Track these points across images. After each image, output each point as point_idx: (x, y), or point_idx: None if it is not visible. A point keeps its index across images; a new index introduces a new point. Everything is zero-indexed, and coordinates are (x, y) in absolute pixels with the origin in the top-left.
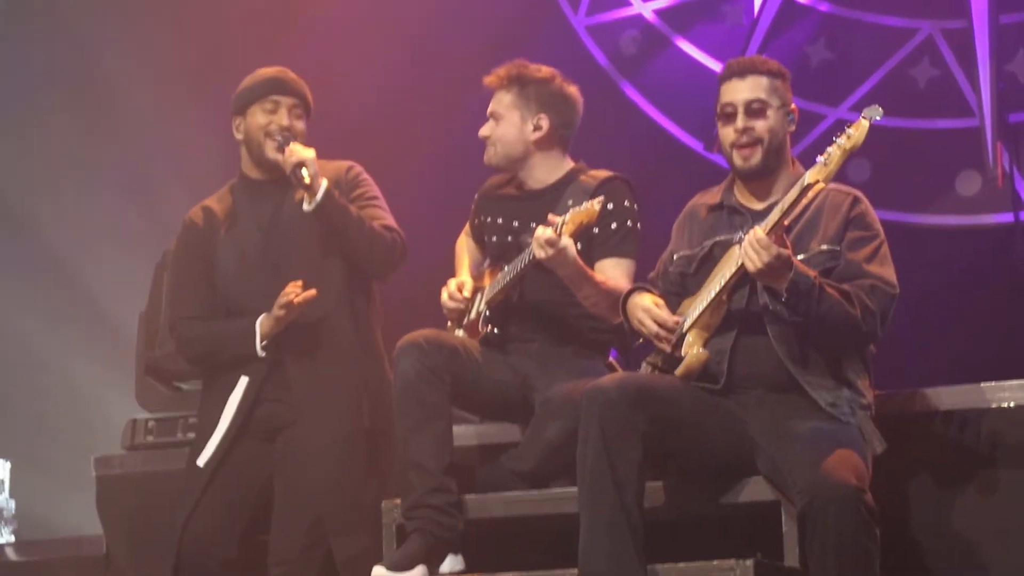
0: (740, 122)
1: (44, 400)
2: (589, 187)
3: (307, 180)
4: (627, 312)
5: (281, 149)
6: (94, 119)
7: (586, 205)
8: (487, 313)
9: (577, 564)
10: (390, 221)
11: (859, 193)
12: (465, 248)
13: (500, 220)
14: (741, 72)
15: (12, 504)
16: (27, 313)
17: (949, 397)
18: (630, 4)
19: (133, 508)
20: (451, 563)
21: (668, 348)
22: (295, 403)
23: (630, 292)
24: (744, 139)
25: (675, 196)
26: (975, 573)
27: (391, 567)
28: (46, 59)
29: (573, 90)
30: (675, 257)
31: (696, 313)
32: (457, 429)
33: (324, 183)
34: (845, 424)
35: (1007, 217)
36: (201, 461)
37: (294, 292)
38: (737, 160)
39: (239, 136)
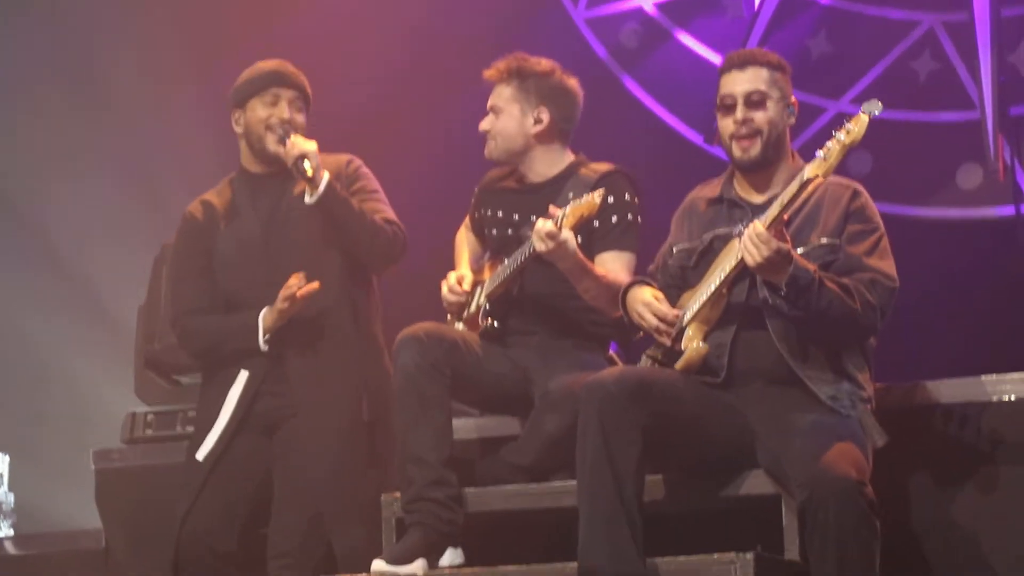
0: (740, 113)
1: (43, 394)
2: (590, 180)
3: (309, 172)
4: (627, 306)
5: (282, 142)
6: (93, 113)
7: (587, 198)
8: (487, 306)
9: (577, 558)
10: (390, 214)
11: (859, 186)
12: (465, 241)
13: (500, 213)
14: (741, 64)
15: (11, 498)
16: (26, 307)
17: (950, 390)
18: None
19: (132, 502)
20: (451, 556)
21: (668, 342)
22: (294, 397)
23: (629, 286)
24: (743, 130)
25: (675, 189)
26: (975, 565)
27: (390, 560)
28: (45, 52)
29: (573, 83)
30: (674, 250)
31: (696, 307)
32: (457, 422)
33: (326, 176)
34: (845, 417)
35: (1008, 210)
36: (200, 455)
37: (297, 285)
38: (736, 151)
39: (239, 129)
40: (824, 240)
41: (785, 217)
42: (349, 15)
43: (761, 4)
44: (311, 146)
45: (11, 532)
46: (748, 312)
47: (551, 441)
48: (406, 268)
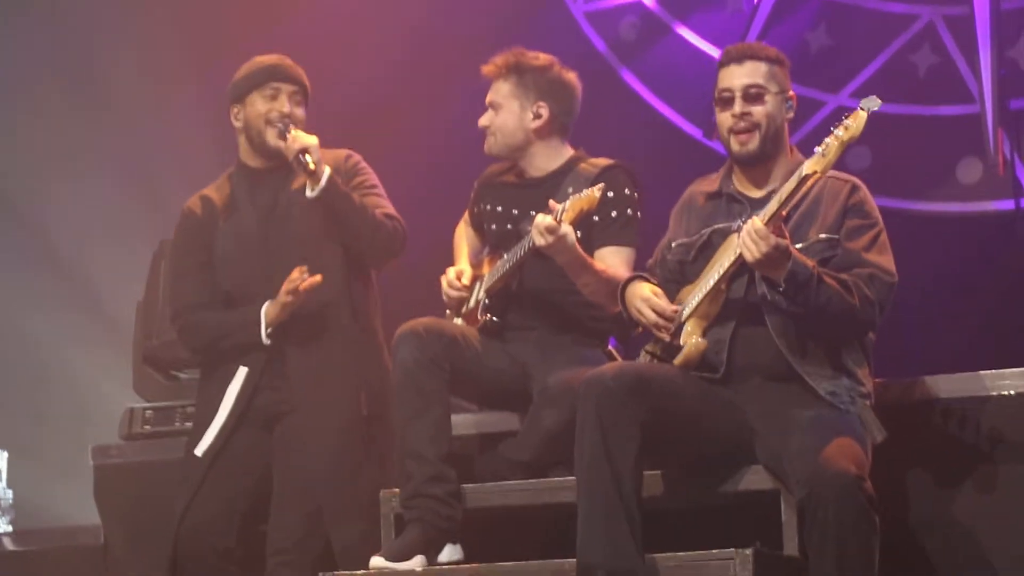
0: (738, 107)
1: (42, 390)
2: (589, 175)
3: (311, 166)
4: (625, 301)
5: (282, 136)
6: (93, 113)
7: (586, 192)
8: (486, 301)
9: (575, 554)
10: (390, 209)
11: (857, 181)
12: (464, 236)
13: (500, 208)
14: (739, 57)
15: (9, 494)
16: (24, 302)
17: (949, 385)
18: None
19: (130, 497)
20: (449, 553)
21: (667, 337)
22: (293, 392)
23: (628, 281)
24: (742, 124)
25: (674, 183)
26: (974, 560)
27: (389, 557)
28: (45, 51)
29: (572, 77)
30: (673, 245)
31: (695, 302)
32: (456, 418)
33: (327, 170)
34: (845, 413)
35: (1008, 204)
36: (199, 450)
37: (300, 278)
38: (734, 145)
39: (238, 124)
40: (823, 235)
41: (783, 213)
42: (349, 10)
43: None
44: (312, 140)
45: (9, 528)
46: (747, 308)
47: (550, 436)
48: (405, 263)
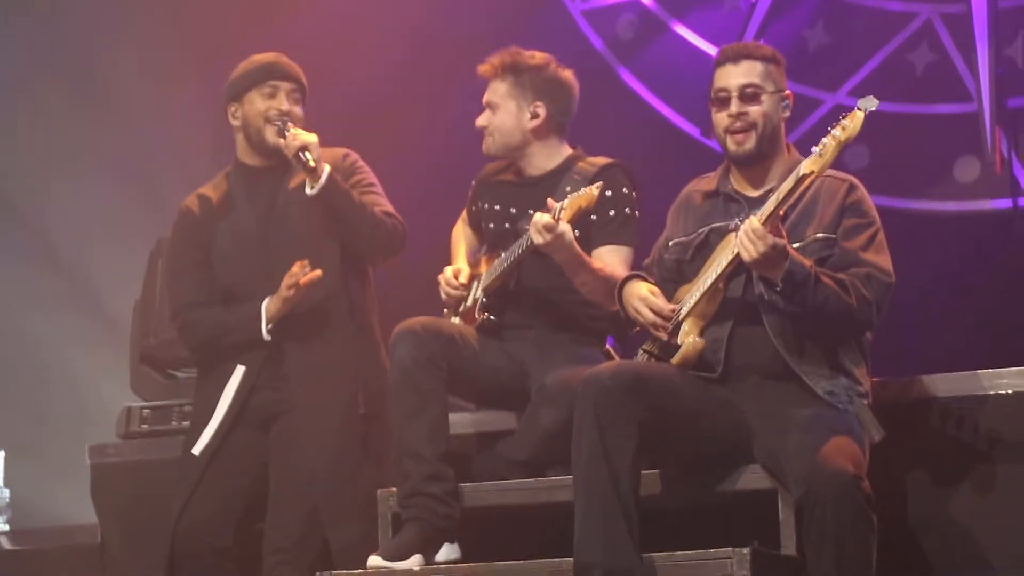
0: (734, 107)
1: (39, 389)
2: (588, 174)
3: (312, 163)
4: (622, 301)
5: (281, 134)
6: (93, 113)
7: (584, 190)
8: (484, 300)
9: (573, 553)
10: (389, 207)
11: (855, 180)
12: (462, 235)
13: (498, 207)
14: (735, 57)
15: (6, 493)
16: (22, 301)
17: (947, 384)
18: None
19: (128, 496)
20: (447, 552)
21: (664, 336)
22: (291, 391)
23: (625, 280)
24: (738, 124)
25: (672, 182)
26: (972, 559)
27: (387, 556)
28: (45, 51)
29: (568, 75)
30: (670, 244)
31: (692, 301)
32: (453, 417)
33: (327, 168)
34: (842, 412)
35: (1005, 203)
36: (197, 450)
37: (300, 273)
38: (731, 145)
39: (235, 123)
40: (820, 234)
41: (781, 212)
42: (347, 9)
43: None
44: (312, 138)
45: (7, 527)
46: (744, 307)
47: (547, 435)
48: (403, 262)
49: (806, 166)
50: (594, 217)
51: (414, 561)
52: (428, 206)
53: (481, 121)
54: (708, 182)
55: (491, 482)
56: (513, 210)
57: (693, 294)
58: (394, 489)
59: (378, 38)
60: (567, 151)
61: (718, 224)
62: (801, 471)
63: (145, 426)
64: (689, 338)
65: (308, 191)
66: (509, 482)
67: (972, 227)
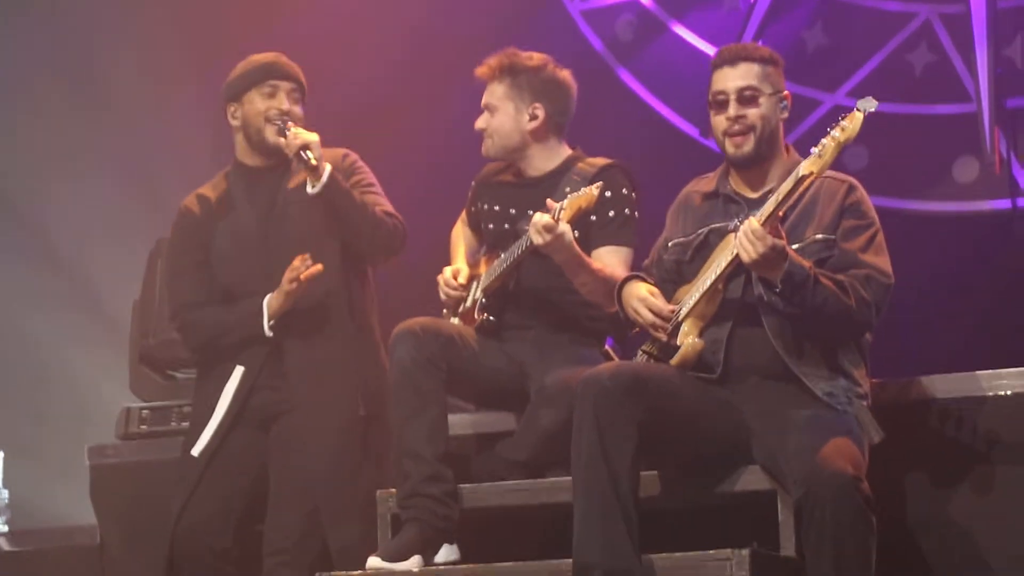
0: (732, 110)
1: (38, 390)
2: (587, 174)
3: (313, 162)
4: (622, 302)
5: (282, 133)
6: (93, 113)
7: (584, 191)
8: (483, 300)
9: (572, 554)
10: (389, 207)
11: (854, 181)
12: (462, 236)
13: (497, 207)
14: (732, 59)
15: (5, 494)
16: (21, 301)
17: (946, 385)
18: None
19: (127, 497)
20: (446, 553)
21: (664, 337)
22: (291, 391)
23: (624, 281)
24: (736, 127)
25: (671, 182)
26: (972, 560)
27: (386, 557)
28: (45, 51)
29: (566, 75)
30: (669, 244)
31: (691, 302)
32: (453, 418)
33: (328, 167)
34: (842, 413)
35: (1004, 203)
36: (196, 450)
37: (302, 267)
38: (729, 148)
39: (235, 123)
40: (819, 236)
41: (780, 213)
42: (347, 9)
43: None
44: (313, 137)
45: (6, 528)
46: (744, 308)
47: (547, 436)
48: (403, 262)
49: (805, 167)
50: (593, 218)
51: (413, 562)
52: (428, 206)
53: (480, 124)
54: (707, 183)
55: (490, 483)
56: (513, 211)
57: (692, 295)
58: (393, 490)
59: (378, 38)
60: (566, 152)
61: (717, 225)
62: (800, 472)
63: (144, 427)
64: (688, 339)
65: (309, 190)
66: (508, 483)
67: (971, 228)
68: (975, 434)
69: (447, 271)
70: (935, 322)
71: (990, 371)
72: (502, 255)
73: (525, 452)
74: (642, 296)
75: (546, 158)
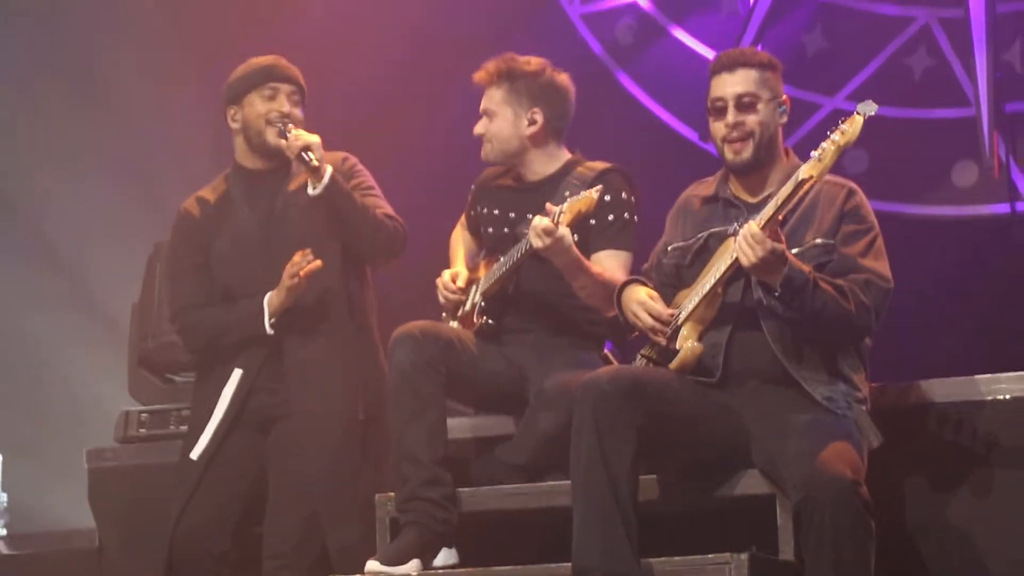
0: (731, 117)
1: (36, 392)
2: (587, 178)
3: (314, 163)
4: (621, 305)
5: (283, 135)
6: (93, 113)
7: (584, 194)
8: (482, 304)
9: (571, 558)
10: (390, 210)
11: (854, 185)
12: (461, 240)
13: (497, 211)
14: (730, 65)
15: (4, 497)
16: (20, 304)
17: (945, 389)
18: None
19: (126, 501)
20: (445, 557)
21: (663, 341)
22: (290, 393)
23: (624, 285)
24: (735, 134)
25: (670, 186)
26: (971, 564)
27: (385, 561)
28: (45, 51)
29: (564, 79)
30: (669, 249)
31: (691, 306)
32: (452, 422)
33: (329, 168)
34: (841, 417)
35: (1003, 208)
36: (194, 454)
37: (302, 262)
38: (728, 154)
39: (235, 125)
40: (819, 240)
41: (780, 217)
42: (346, 12)
43: (756, 0)
44: (315, 138)
45: (4, 531)
46: (743, 312)
47: (546, 440)
48: (402, 265)
49: (805, 170)
50: (593, 221)
51: (412, 566)
52: (427, 210)
53: (479, 129)
54: (707, 187)
55: (489, 487)
56: (512, 214)
57: (692, 299)
58: (392, 494)
59: (377, 41)
60: (566, 155)
61: (717, 229)
62: (800, 476)
63: (143, 430)
64: (688, 343)
65: (310, 191)
66: (507, 487)
67: (970, 232)
68: (974, 438)
69: (446, 274)
70: (934, 326)
71: (989, 375)
72: (501, 259)
73: (524, 456)
74: (641, 300)
75: (545, 162)
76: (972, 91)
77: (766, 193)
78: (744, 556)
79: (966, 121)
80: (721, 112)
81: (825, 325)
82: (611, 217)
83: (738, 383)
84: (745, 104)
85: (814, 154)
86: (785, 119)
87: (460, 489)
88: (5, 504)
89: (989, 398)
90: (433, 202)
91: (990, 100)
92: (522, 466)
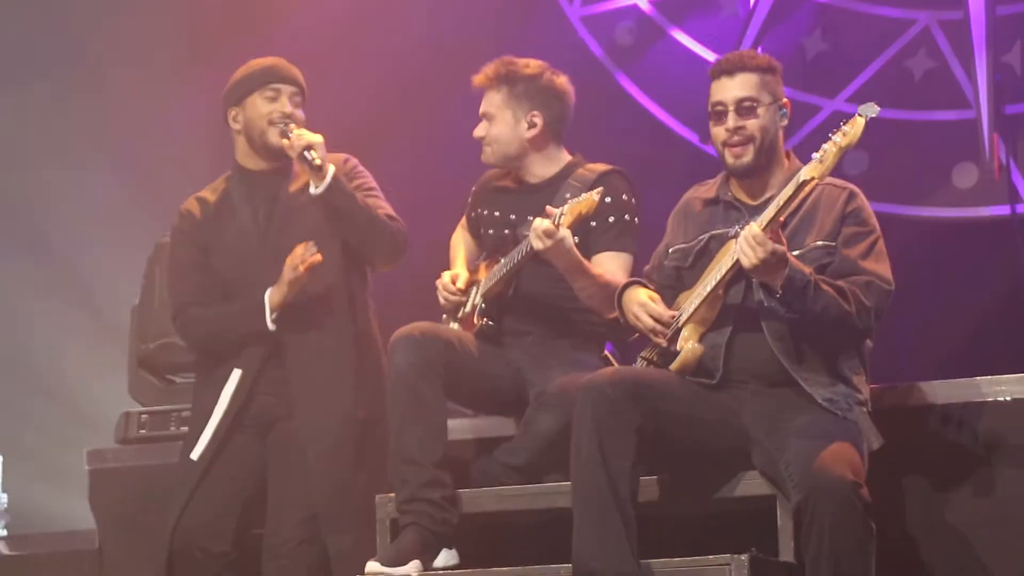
0: (731, 121)
1: (37, 393)
2: (587, 180)
3: (317, 162)
4: (622, 307)
5: (285, 135)
6: (90, 108)
7: (585, 196)
8: (482, 306)
9: (571, 559)
10: (391, 211)
11: (855, 188)
12: (461, 242)
13: (497, 213)
14: (730, 69)
15: (4, 498)
16: (20, 305)
17: (945, 391)
18: None
19: (126, 502)
20: (445, 558)
21: (664, 342)
22: (289, 396)
23: (625, 287)
24: (736, 138)
25: (671, 188)
26: (971, 566)
27: (385, 562)
28: (42, 47)
29: (563, 81)
30: (670, 251)
31: (692, 308)
32: (452, 423)
33: (331, 168)
34: (842, 419)
35: (1003, 209)
36: (194, 455)
37: (304, 255)
38: (729, 158)
39: (236, 127)
40: (820, 242)
41: (781, 219)
42: (348, 17)
43: (756, 2)
44: (317, 138)
45: (4, 533)
46: (744, 313)
47: (545, 441)
48: (402, 267)
49: (806, 172)
50: (594, 223)
51: (412, 567)
52: (427, 211)
53: (478, 132)
54: (708, 189)
55: (489, 488)
56: (512, 216)
57: (693, 300)
58: (392, 494)
59: (378, 42)
60: (566, 157)
61: (718, 231)
62: (800, 477)
63: (143, 431)
64: (688, 344)
65: (312, 191)
66: (507, 488)
67: (970, 233)
68: (975, 440)
69: (446, 276)
70: (935, 328)
71: (989, 377)
72: (502, 260)
73: (524, 457)
74: (642, 301)
75: (546, 164)
76: (972, 93)
77: (767, 195)
78: (744, 557)
79: (966, 123)
80: (721, 116)
81: (826, 326)
82: (611, 219)
83: (739, 384)
84: (745, 108)
85: (815, 156)
86: (786, 122)
87: (460, 490)
88: (5, 505)
89: (990, 399)
90: (433, 204)
91: (990, 102)
92: (522, 467)
